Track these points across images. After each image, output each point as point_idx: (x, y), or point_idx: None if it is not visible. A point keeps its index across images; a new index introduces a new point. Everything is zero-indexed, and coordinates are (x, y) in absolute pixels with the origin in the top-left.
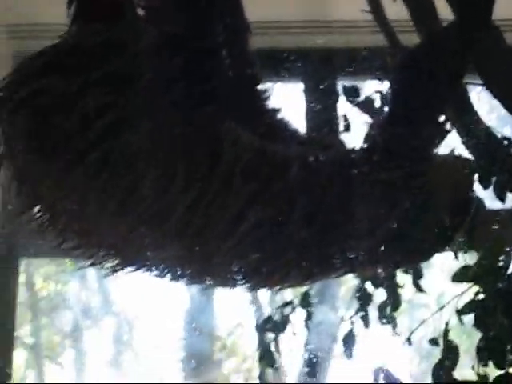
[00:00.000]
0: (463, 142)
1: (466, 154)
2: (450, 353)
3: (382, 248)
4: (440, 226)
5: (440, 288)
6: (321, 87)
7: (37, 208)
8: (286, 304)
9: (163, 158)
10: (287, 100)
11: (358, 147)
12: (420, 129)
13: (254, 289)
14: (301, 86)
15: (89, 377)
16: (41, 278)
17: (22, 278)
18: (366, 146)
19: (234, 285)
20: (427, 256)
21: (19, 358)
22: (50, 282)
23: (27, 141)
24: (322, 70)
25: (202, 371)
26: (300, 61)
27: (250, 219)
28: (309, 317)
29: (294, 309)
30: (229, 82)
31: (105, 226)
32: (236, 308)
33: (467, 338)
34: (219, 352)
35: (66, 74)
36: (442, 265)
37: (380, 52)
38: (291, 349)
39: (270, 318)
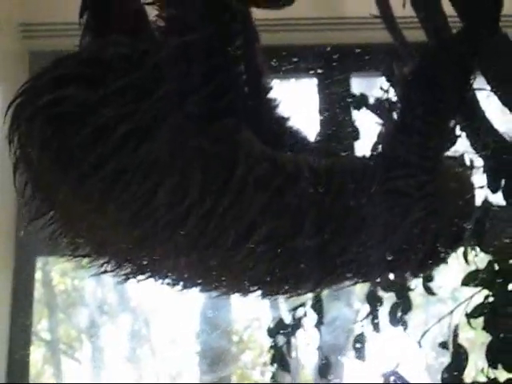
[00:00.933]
0: (472, 146)
1: (475, 157)
2: (459, 357)
3: (394, 257)
4: (448, 232)
5: (455, 282)
6: (333, 84)
7: (51, 214)
8: (298, 306)
9: (179, 168)
10: (301, 96)
11: (367, 155)
12: (430, 137)
13: (265, 296)
14: (314, 81)
15: (106, 372)
16: (57, 274)
17: (38, 275)
18: (375, 154)
19: (245, 293)
20: (438, 263)
21: (37, 353)
22: (67, 278)
23: (42, 150)
24: (333, 66)
25: (219, 365)
26: (311, 58)
27: (261, 230)
28: (320, 321)
29: (305, 313)
30: (244, 93)
31: (118, 236)
32: (252, 302)
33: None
34: (236, 346)
35: (85, 85)
36: (457, 258)
37: (387, 49)
38: (306, 345)
39: (281, 320)
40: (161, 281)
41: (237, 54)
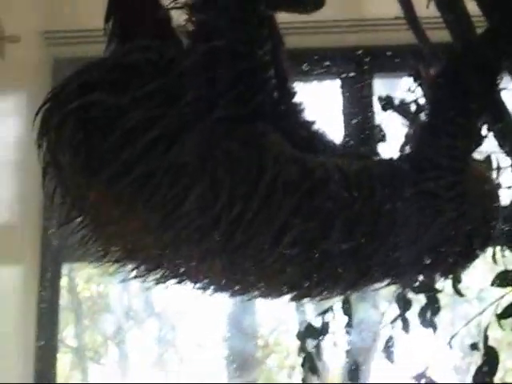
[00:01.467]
0: (500, 146)
1: (502, 157)
2: (490, 359)
3: (426, 257)
4: (477, 232)
5: (481, 282)
6: (357, 85)
7: (80, 219)
8: (326, 311)
9: (208, 172)
10: (324, 98)
11: (395, 157)
12: (458, 138)
13: (296, 300)
14: (337, 83)
15: (133, 377)
16: (82, 280)
17: (63, 282)
18: (404, 156)
19: (277, 297)
20: (468, 263)
21: (63, 360)
22: (92, 283)
23: (73, 153)
24: (357, 67)
25: (245, 369)
26: (335, 59)
27: (292, 233)
28: (349, 323)
29: (334, 316)
30: (274, 97)
31: (148, 240)
32: (277, 305)
33: None
34: (262, 350)
35: (112, 90)
36: (483, 259)
37: (412, 49)
38: (333, 348)
39: (310, 325)
40: (192, 285)
41: (265, 59)
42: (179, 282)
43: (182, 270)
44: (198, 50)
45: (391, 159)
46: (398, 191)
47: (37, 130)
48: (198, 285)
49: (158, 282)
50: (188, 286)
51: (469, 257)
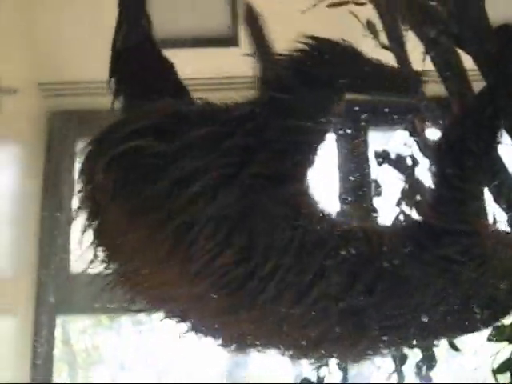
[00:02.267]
0: (495, 200)
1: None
2: None
3: (441, 321)
4: (496, 297)
5: (477, 336)
6: (352, 139)
7: (112, 263)
8: (322, 365)
9: (247, 227)
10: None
11: (408, 223)
12: (467, 203)
13: (321, 359)
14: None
15: None
16: (76, 332)
17: (57, 334)
18: (417, 223)
19: (301, 356)
20: (486, 326)
21: None
22: (86, 335)
23: (116, 196)
24: (351, 120)
25: None
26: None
27: (318, 288)
28: (345, 378)
29: (329, 370)
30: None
31: (180, 290)
32: (273, 358)
33: None
34: None
35: (162, 137)
36: None
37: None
38: None
39: (306, 379)
40: (217, 341)
41: (322, 130)
42: (205, 336)
43: (207, 323)
44: (262, 99)
45: (405, 225)
46: (416, 255)
47: (79, 174)
48: (219, 341)
49: (185, 333)
50: (210, 340)
51: (489, 320)
